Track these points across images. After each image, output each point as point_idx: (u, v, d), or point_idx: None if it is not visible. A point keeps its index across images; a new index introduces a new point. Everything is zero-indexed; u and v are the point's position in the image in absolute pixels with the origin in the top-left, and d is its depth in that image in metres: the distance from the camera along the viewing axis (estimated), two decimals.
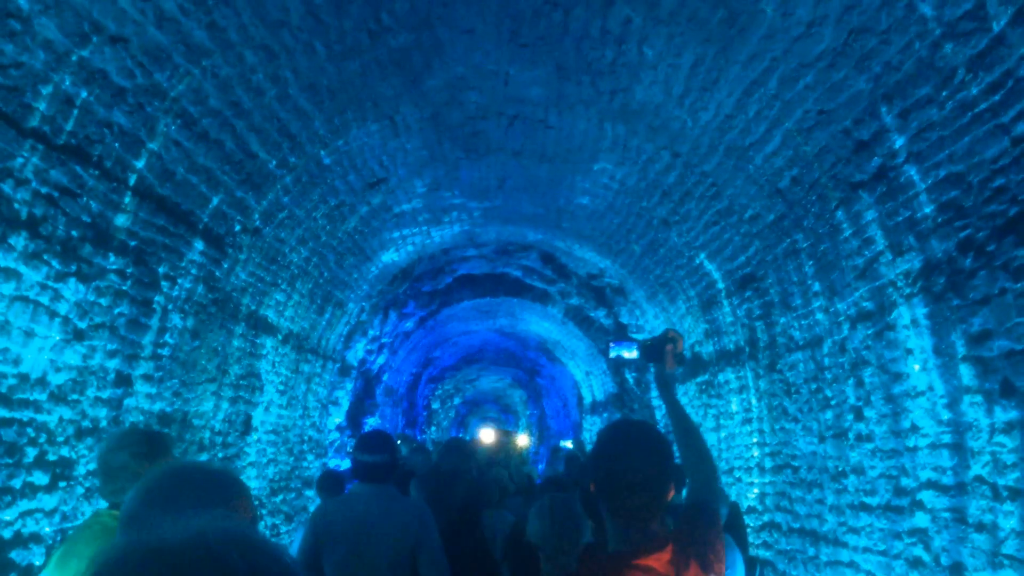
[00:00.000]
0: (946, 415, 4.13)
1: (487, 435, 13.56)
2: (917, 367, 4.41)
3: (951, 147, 3.78)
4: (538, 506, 3.40)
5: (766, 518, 6.88)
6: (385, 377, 13.60)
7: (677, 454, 2.67)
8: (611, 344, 3.61)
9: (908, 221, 4.28)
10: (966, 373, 3.93)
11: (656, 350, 3.04)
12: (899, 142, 4.14)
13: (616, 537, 2.33)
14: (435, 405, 23.07)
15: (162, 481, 1.85)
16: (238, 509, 1.81)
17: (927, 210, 4.09)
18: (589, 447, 12.62)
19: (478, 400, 29.67)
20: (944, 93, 3.69)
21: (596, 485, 2.37)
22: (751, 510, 7.22)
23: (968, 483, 3.94)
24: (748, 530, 7.12)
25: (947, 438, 4.13)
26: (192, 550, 0.83)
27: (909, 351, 4.49)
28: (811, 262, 5.60)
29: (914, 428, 4.46)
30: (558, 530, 3.26)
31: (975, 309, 3.81)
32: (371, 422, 12.74)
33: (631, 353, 3.46)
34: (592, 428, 15.61)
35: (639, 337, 11.48)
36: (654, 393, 11.66)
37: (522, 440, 17.33)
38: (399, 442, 5.22)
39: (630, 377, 12.54)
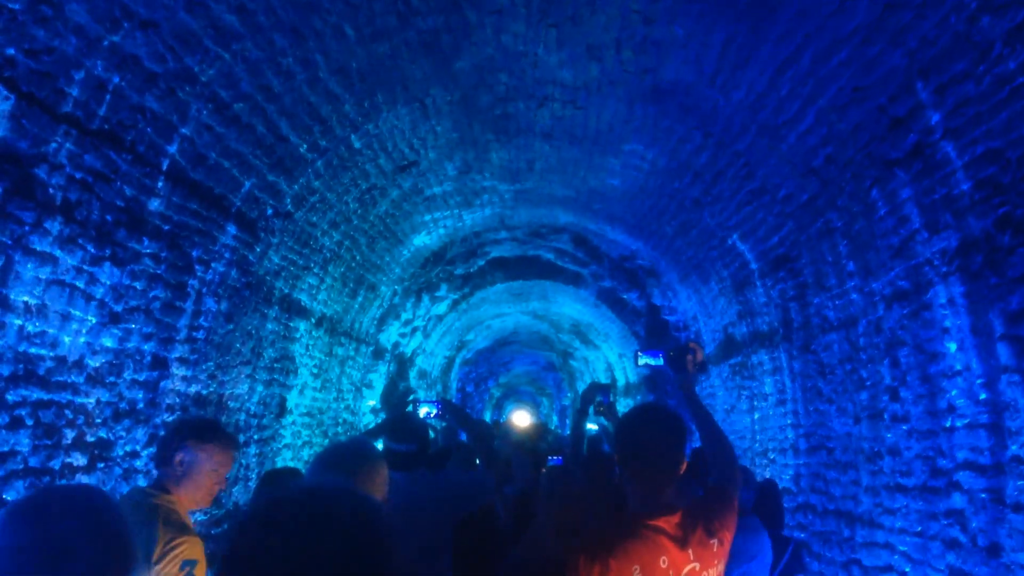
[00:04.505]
0: (983, 395, 4.07)
1: (521, 418, 13.55)
2: (954, 346, 4.35)
3: (988, 123, 3.70)
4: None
5: (801, 499, 6.84)
6: (418, 360, 13.66)
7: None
8: (639, 353, 4.19)
9: (945, 199, 4.21)
10: (1004, 352, 3.87)
11: (678, 360, 3.48)
12: (935, 118, 4.07)
13: (634, 501, 2.79)
14: (469, 388, 23.15)
15: (322, 454, 2.68)
16: (359, 476, 2.53)
17: (964, 187, 4.02)
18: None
19: (512, 383, 29.75)
20: (981, 67, 3.62)
21: (619, 455, 2.85)
22: (786, 491, 7.18)
23: (1006, 463, 3.89)
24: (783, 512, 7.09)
25: (984, 418, 4.07)
26: (317, 496, 1.38)
27: (946, 330, 4.42)
28: (845, 241, 5.53)
29: (951, 408, 4.40)
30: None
31: (1013, 287, 3.74)
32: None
33: (657, 361, 3.92)
34: (625, 410, 15.59)
35: (671, 319, 11.45)
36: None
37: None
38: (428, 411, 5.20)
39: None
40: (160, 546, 2.86)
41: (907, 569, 4.88)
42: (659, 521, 2.66)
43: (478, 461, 5.60)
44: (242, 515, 1.34)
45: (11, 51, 3.25)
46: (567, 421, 25.50)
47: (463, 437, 6.64)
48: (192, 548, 2.94)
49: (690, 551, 2.65)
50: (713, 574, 2.72)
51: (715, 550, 2.73)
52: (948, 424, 4.44)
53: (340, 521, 1.30)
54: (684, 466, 2.80)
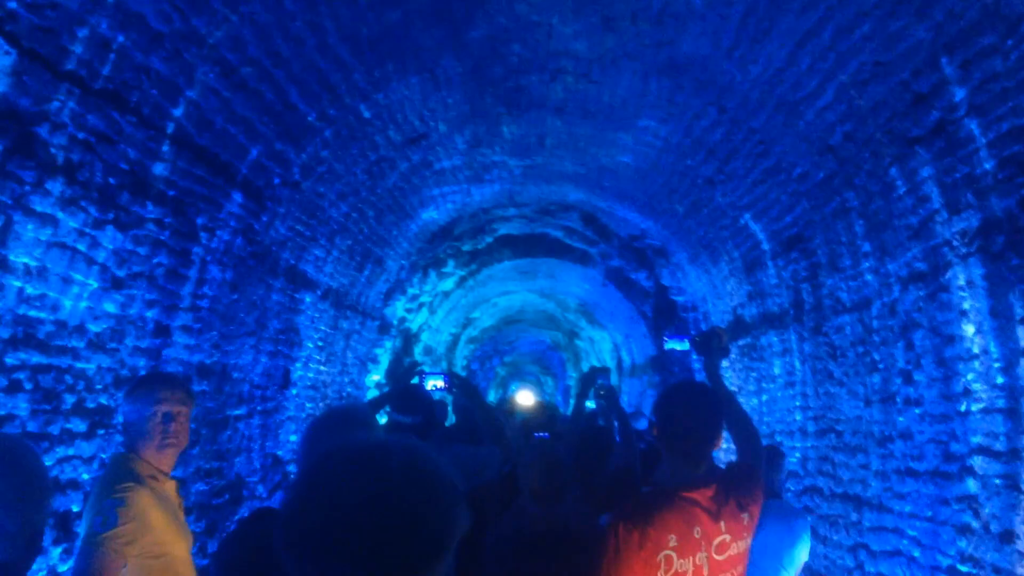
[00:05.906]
0: (1001, 379, 3.99)
1: (525, 398, 13.47)
2: (971, 329, 4.26)
3: (1015, 99, 3.60)
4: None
5: (808, 482, 6.77)
6: (424, 336, 13.60)
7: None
8: (665, 337, 4.21)
9: (966, 178, 4.11)
10: None
11: (704, 344, 3.59)
12: (959, 94, 3.96)
13: (671, 473, 2.91)
14: (475, 366, 23.11)
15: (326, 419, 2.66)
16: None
17: (987, 166, 3.92)
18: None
19: (518, 362, 29.71)
20: (1009, 42, 3.52)
21: (660, 430, 2.95)
22: (792, 474, 7.11)
23: (1022, 449, 3.81)
24: (789, 494, 7.03)
25: (1001, 403, 3.99)
26: (383, 446, 1.33)
27: (963, 313, 4.33)
28: (861, 221, 5.43)
29: (966, 392, 4.32)
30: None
31: None
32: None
33: (683, 345, 4.00)
34: (631, 391, 15.53)
35: (679, 300, 11.37)
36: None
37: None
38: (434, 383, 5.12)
39: None
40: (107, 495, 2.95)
41: (916, 554, 4.82)
42: (694, 494, 2.79)
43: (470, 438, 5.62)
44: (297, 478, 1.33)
45: (13, 5, 3.17)
46: (570, 401, 25.51)
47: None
48: (128, 493, 2.92)
49: (722, 523, 2.77)
50: (742, 546, 2.83)
51: (745, 523, 2.84)
52: (963, 408, 4.36)
53: (412, 475, 1.28)
54: (720, 442, 2.93)
